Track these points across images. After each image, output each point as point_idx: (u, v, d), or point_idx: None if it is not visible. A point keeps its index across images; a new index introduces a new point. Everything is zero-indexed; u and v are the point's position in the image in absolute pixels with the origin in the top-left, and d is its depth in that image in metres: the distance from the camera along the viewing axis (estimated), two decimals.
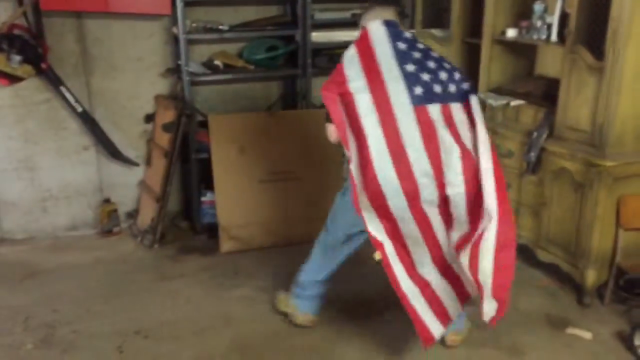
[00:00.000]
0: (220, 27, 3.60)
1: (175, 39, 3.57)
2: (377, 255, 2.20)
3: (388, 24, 2.22)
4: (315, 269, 2.64)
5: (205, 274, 3.24)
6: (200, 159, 3.62)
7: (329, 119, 2.22)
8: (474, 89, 2.28)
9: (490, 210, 1.98)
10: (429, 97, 2.10)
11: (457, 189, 2.06)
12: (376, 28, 2.19)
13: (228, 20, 3.71)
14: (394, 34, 2.20)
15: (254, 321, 2.78)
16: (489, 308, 2.11)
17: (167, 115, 3.51)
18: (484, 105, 3.39)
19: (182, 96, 3.54)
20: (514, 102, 3.22)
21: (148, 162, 3.78)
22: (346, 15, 3.87)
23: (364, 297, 2.97)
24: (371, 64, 2.12)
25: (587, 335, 2.62)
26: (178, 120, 3.42)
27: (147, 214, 3.63)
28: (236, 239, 3.52)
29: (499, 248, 2.01)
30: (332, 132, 2.27)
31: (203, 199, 3.68)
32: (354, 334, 2.67)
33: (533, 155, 2.95)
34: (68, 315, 2.83)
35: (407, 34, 2.25)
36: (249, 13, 3.85)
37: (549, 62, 3.39)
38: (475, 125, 2.12)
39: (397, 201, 2.09)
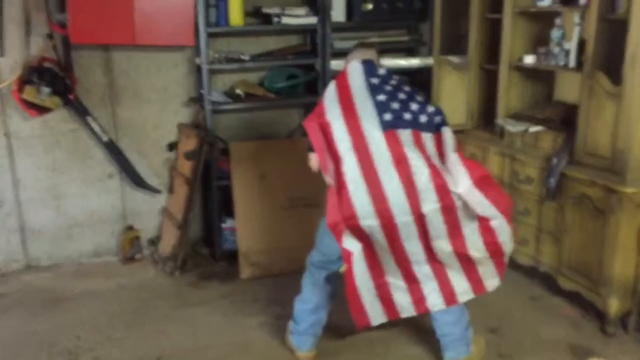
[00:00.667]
0: (242, 56, 3.69)
1: (199, 69, 3.67)
2: (343, 268, 2.27)
3: (365, 62, 2.44)
4: (306, 298, 2.65)
5: (225, 301, 3.26)
6: (221, 186, 3.68)
7: (311, 149, 2.38)
8: (447, 122, 2.40)
9: (492, 215, 2.22)
10: (398, 122, 2.27)
11: (432, 205, 2.17)
12: (354, 66, 2.44)
13: (249, 50, 3.80)
14: (369, 70, 2.42)
15: (273, 348, 2.78)
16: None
17: (190, 144, 3.58)
18: (502, 131, 3.40)
19: (204, 124, 3.61)
20: (533, 128, 3.21)
21: (170, 189, 3.85)
22: None
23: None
24: (346, 96, 2.34)
25: None
26: (200, 148, 3.49)
27: (169, 241, 3.68)
28: (256, 265, 3.54)
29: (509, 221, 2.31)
30: (313, 160, 2.42)
31: (224, 225, 3.72)
32: None
33: (553, 181, 2.93)
34: (90, 342, 2.87)
35: (382, 71, 2.46)
36: (270, 43, 3.94)
37: (568, 88, 3.39)
38: (445, 155, 2.26)
39: (370, 222, 2.20)
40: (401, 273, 2.33)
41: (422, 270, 2.32)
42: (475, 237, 2.28)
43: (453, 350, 2.52)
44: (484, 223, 2.26)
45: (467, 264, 2.32)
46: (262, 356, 2.73)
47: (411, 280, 2.35)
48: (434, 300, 2.37)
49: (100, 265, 3.76)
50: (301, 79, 3.87)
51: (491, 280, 2.41)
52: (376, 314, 2.37)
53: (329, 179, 2.29)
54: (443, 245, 2.26)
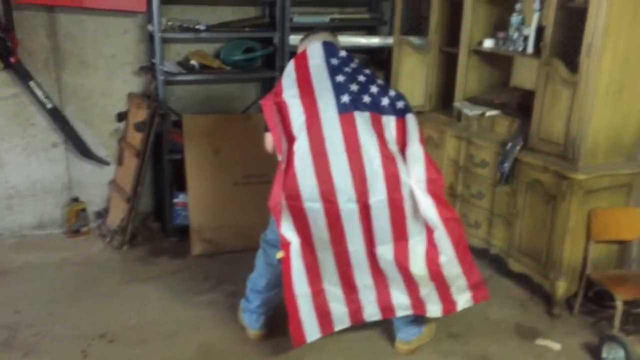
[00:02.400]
0: (197, 26, 3.54)
1: (150, 37, 3.51)
2: (280, 254, 2.23)
3: (326, 43, 2.40)
4: (257, 276, 2.59)
5: (175, 277, 3.18)
6: (173, 160, 3.56)
7: (266, 129, 2.32)
8: (410, 108, 2.36)
9: (432, 220, 2.18)
10: (356, 105, 2.22)
11: (379, 196, 2.14)
12: (314, 46, 2.38)
13: (205, 19, 3.66)
14: (329, 51, 2.37)
15: (223, 326, 2.73)
16: (465, 299, 2.38)
17: (140, 114, 3.44)
18: (459, 114, 3.42)
19: (155, 95, 3.47)
20: (490, 113, 3.24)
21: (119, 161, 3.70)
22: (325, 19, 3.85)
23: None
24: (305, 75, 2.28)
25: (556, 346, 2.64)
26: (151, 120, 3.36)
27: (117, 214, 3.55)
28: (208, 241, 3.46)
29: (455, 243, 2.25)
30: (268, 141, 2.36)
31: (175, 200, 3.61)
32: (325, 342, 2.65)
33: (507, 166, 2.97)
34: (31, 317, 2.75)
35: (343, 53, 2.40)
36: (227, 13, 3.81)
37: (525, 74, 3.43)
38: (408, 143, 2.23)
39: (312, 204, 2.15)
40: (339, 279, 2.29)
41: (363, 279, 2.29)
42: (419, 250, 2.23)
43: (405, 332, 2.54)
44: (430, 235, 2.22)
45: (409, 281, 2.29)
46: (211, 334, 2.67)
47: (350, 289, 2.31)
48: (371, 311, 2.36)
49: (43, 238, 3.60)
50: (258, 53, 3.76)
51: (434, 306, 2.37)
52: (312, 329, 2.31)
53: (281, 157, 2.22)
54: (386, 253, 2.22)
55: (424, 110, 3.73)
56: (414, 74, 3.69)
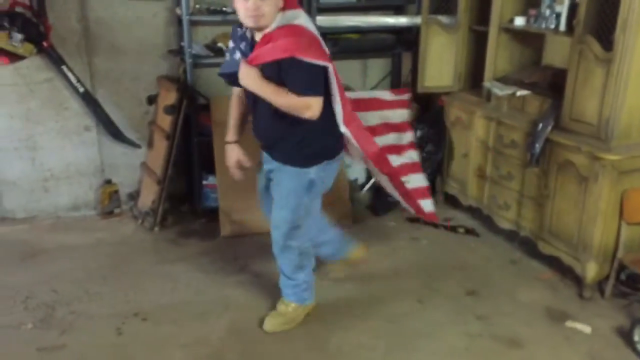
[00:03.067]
0: (225, 8, 3.55)
1: (179, 20, 3.53)
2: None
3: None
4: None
5: (205, 258, 3.24)
6: (202, 142, 3.60)
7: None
8: None
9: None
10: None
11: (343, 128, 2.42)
12: (305, 16, 2.31)
13: (230, 3, 3.65)
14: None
15: (252, 306, 2.78)
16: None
17: (169, 98, 3.48)
18: (489, 94, 3.36)
19: (184, 78, 3.50)
20: (520, 92, 3.18)
21: (150, 144, 3.76)
22: None
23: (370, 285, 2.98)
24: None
25: (586, 329, 2.61)
26: (180, 103, 3.40)
27: (148, 196, 3.62)
28: (237, 223, 3.51)
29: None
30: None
31: (205, 182, 3.66)
32: (352, 322, 2.68)
33: (538, 146, 2.92)
34: (67, 296, 2.84)
35: None
36: None
37: (557, 52, 3.35)
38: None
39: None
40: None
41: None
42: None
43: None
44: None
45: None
46: (241, 314, 2.73)
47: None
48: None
49: (77, 219, 3.70)
50: None
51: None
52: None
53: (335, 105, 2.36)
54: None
55: (452, 90, 3.69)
56: (442, 54, 3.63)
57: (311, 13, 3.66)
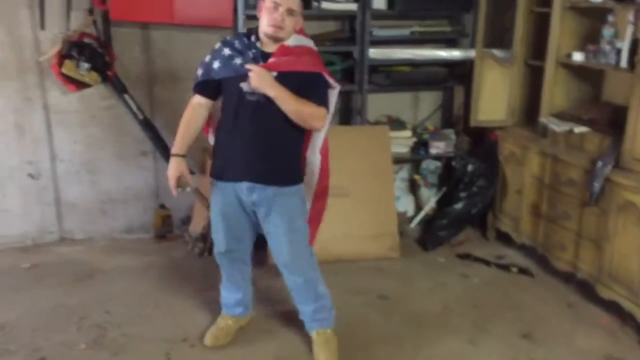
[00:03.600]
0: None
1: None
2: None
3: None
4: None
5: (253, 286, 3.25)
6: None
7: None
8: None
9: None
10: None
11: None
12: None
13: None
14: None
15: (300, 337, 2.76)
16: None
17: None
18: (545, 130, 3.30)
19: None
20: (578, 129, 3.10)
21: (202, 170, 3.85)
22: (405, 32, 3.84)
23: None
24: None
25: None
26: None
27: (199, 222, 3.69)
28: None
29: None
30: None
31: None
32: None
33: (597, 186, 2.83)
34: (119, 318, 2.91)
35: None
36: (307, 28, 3.80)
37: (617, 89, 3.26)
38: None
39: None
40: None
41: None
42: None
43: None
44: None
45: None
46: (288, 344, 2.72)
47: None
48: None
49: (131, 242, 3.80)
50: (338, 67, 3.81)
51: None
52: None
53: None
54: None
55: (505, 125, 3.64)
56: (496, 88, 3.60)
57: (364, 46, 3.70)
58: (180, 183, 2.51)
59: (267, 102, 2.26)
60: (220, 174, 2.46)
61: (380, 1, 3.69)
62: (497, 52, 3.62)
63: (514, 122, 3.63)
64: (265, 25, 2.28)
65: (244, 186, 2.38)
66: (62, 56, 3.30)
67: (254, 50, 2.33)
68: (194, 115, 2.47)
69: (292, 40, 2.34)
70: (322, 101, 2.33)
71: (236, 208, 2.46)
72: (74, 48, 3.31)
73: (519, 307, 3.09)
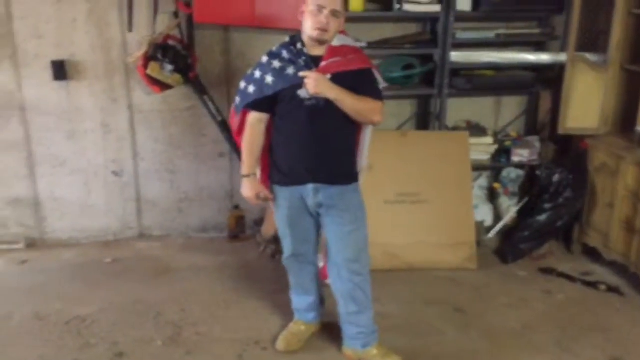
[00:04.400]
0: (358, 43, 3.58)
1: None
2: None
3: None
4: None
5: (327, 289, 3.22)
6: None
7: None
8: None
9: None
10: None
11: None
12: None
13: (366, 36, 3.68)
14: None
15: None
16: None
17: None
18: None
19: None
20: None
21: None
22: (490, 35, 3.68)
23: None
24: None
25: None
26: None
27: (272, 225, 3.69)
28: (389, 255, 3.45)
29: None
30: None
31: None
32: None
33: None
34: (194, 317, 2.95)
35: None
36: (387, 30, 3.80)
37: None
38: None
39: None
40: None
41: None
42: None
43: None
44: None
45: None
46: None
47: None
48: None
49: (206, 241, 3.87)
50: (417, 70, 3.70)
51: None
52: None
53: None
54: None
55: (598, 133, 3.41)
56: (588, 94, 3.38)
57: (446, 49, 3.58)
58: (260, 198, 2.52)
59: (324, 105, 2.30)
60: (283, 180, 2.46)
61: (464, 2, 3.55)
62: (590, 56, 3.40)
63: (607, 130, 3.39)
64: (310, 28, 2.29)
65: (309, 188, 2.40)
66: (148, 58, 3.39)
67: (303, 57, 2.33)
68: (255, 134, 2.45)
69: (337, 41, 2.36)
70: (377, 95, 2.39)
71: (301, 211, 2.48)
72: (159, 50, 3.40)
73: (607, 328, 2.88)
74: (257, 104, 2.39)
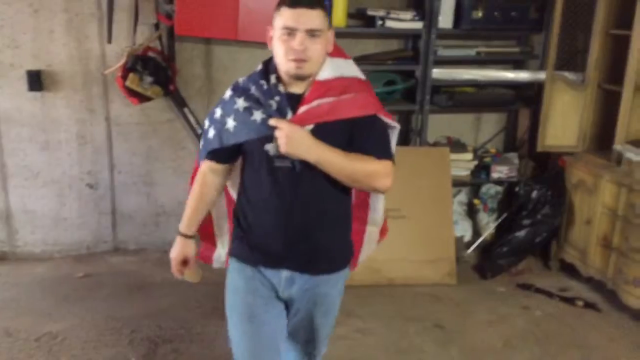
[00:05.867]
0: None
1: None
2: None
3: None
4: None
5: None
6: None
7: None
8: None
9: None
10: None
11: None
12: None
13: (348, 52, 3.65)
14: None
15: None
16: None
17: None
18: (620, 158, 3.11)
19: None
20: None
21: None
22: (471, 52, 3.73)
23: None
24: None
25: None
26: None
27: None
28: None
29: None
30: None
31: None
32: None
33: None
34: (170, 333, 2.87)
35: None
36: (369, 46, 3.82)
37: None
38: None
39: None
40: None
41: None
42: None
43: None
44: None
45: None
46: None
47: None
48: None
49: None
50: (399, 86, 3.72)
51: None
52: None
53: None
54: None
55: (576, 150, 3.46)
56: (566, 112, 3.43)
57: (427, 66, 3.61)
58: (185, 272, 1.92)
59: (304, 167, 1.63)
60: (246, 257, 1.76)
61: (446, 20, 3.58)
62: (568, 75, 3.45)
63: (584, 148, 3.45)
64: (282, 60, 1.62)
65: (282, 276, 1.74)
66: (127, 69, 3.34)
67: (277, 98, 1.65)
68: (207, 186, 1.81)
69: (328, 70, 1.66)
70: (384, 151, 1.68)
71: (268, 301, 1.77)
72: (139, 62, 3.35)
73: (585, 345, 2.90)
74: (214, 153, 1.75)
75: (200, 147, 1.81)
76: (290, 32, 1.59)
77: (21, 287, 3.31)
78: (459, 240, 3.78)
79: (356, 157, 1.64)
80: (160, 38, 3.46)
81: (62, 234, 3.72)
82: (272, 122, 1.61)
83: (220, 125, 1.71)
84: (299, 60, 1.59)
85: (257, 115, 1.65)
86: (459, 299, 3.32)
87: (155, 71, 3.36)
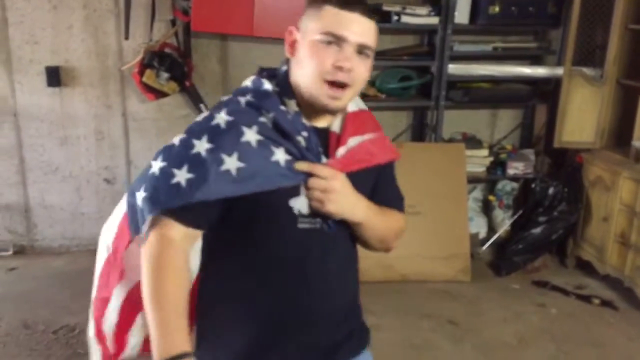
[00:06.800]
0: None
1: None
2: None
3: None
4: None
5: None
6: None
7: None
8: None
9: None
10: None
11: None
12: None
13: None
14: None
15: None
16: None
17: None
18: (638, 154, 3.07)
19: None
20: None
21: None
22: (487, 48, 3.69)
23: None
24: None
25: None
26: None
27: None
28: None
29: None
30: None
31: None
32: None
33: None
34: None
35: None
36: (385, 42, 3.79)
37: None
38: None
39: None
40: None
41: None
42: None
43: None
44: None
45: None
46: None
47: None
48: None
49: None
50: (414, 82, 3.70)
51: None
52: None
53: None
54: None
55: (593, 147, 3.42)
56: (584, 108, 3.39)
57: (443, 61, 3.59)
58: None
59: (336, 231, 1.22)
60: None
61: (462, 16, 3.56)
62: (587, 70, 3.41)
63: (602, 144, 3.40)
64: (311, 78, 1.17)
65: None
66: (144, 65, 3.37)
67: (304, 133, 1.18)
68: (180, 265, 1.16)
69: (352, 103, 1.29)
70: (402, 202, 1.41)
71: None
72: (155, 58, 3.38)
73: (601, 343, 2.87)
74: (190, 211, 1.14)
75: (145, 201, 1.13)
76: (335, 41, 1.15)
77: (39, 280, 3.36)
78: (473, 236, 3.76)
79: (388, 213, 1.32)
80: (176, 34, 3.49)
81: (80, 228, 3.77)
82: (306, 167, 1.15)
83: (209, 165, 1.12)
84: (339, 85, 1.15)
85: (280, 155, 1.15)
86: (473, 296, 3.30)
87: (171, 67, 3.39)
